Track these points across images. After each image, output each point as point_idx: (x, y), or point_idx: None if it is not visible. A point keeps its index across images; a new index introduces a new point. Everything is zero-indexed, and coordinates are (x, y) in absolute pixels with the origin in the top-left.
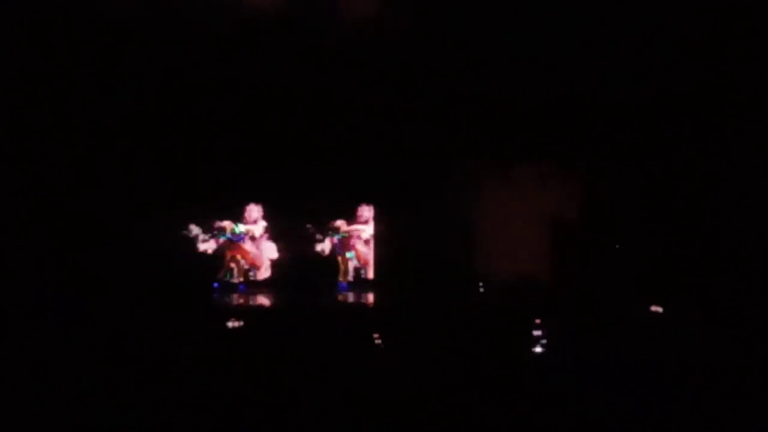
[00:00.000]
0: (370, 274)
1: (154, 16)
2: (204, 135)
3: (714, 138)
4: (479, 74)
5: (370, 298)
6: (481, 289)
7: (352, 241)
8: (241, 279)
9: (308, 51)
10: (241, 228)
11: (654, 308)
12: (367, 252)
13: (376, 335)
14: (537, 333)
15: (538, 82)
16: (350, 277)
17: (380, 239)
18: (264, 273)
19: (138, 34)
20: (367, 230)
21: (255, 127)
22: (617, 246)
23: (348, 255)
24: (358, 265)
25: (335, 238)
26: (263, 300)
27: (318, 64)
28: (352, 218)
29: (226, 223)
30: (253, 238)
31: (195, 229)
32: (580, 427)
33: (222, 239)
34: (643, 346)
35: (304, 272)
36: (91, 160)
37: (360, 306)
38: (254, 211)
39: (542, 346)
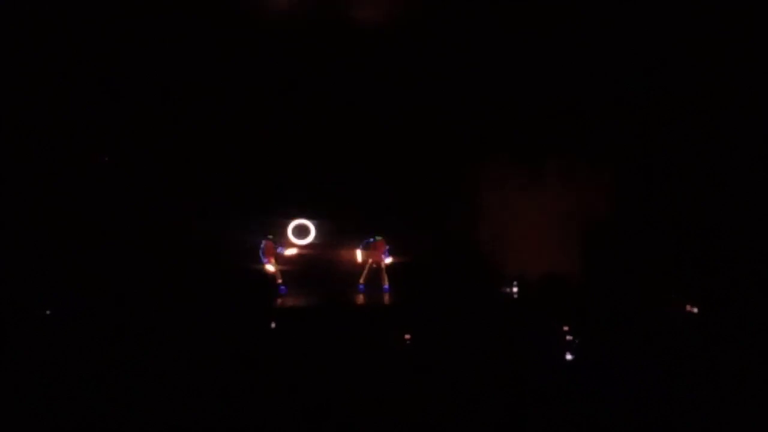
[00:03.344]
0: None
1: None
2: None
3: (742, 135)
4: (506, 72)
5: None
6: (512, 289)
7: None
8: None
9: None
10: None
11: (689, 308)
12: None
13: (407, 336)
14: (567, 338)
15: (565, 80)
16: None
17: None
18: None
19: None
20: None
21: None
22: (642, 243)
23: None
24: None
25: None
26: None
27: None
28: None
29: None
30: None
31: None
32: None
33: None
34: (671, 345)
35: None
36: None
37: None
38: None
39: (571, 349)
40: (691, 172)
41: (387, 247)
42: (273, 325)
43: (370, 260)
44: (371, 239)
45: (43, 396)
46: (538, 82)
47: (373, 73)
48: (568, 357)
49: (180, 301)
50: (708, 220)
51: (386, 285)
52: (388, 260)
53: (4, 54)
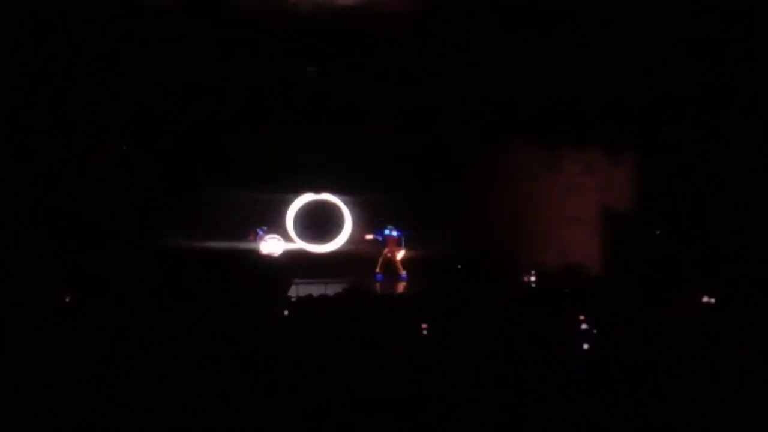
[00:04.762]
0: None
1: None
2: None
3: (743, 135)
4: (526, 63)
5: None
6: (531, 278)
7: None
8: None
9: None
10: None
11: (706, 299)
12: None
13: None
14: (583, 327)
15: (585, 73)
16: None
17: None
18: None
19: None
20: None
21: None
22: (658, 232)
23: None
24: None
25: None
26: None
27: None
28: None
29: None
30: None
31: None
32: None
33: None
34: (682, 345)
35: None
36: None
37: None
38: None
39: (588, 340)
40: (714, 167)
41: (401, 238)
42: (285, 312)
43: (386, 251)
44: (385, 231)
45: (41, 396)
46: (554, 80)
47: (375, 71)
48: (585, 347)
49: (183, 294)
50: (725, 218)
51: (403, 274)
52: (401, 254)
53: (4, 54)
